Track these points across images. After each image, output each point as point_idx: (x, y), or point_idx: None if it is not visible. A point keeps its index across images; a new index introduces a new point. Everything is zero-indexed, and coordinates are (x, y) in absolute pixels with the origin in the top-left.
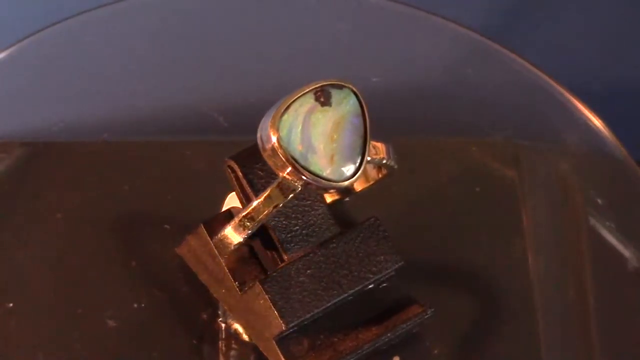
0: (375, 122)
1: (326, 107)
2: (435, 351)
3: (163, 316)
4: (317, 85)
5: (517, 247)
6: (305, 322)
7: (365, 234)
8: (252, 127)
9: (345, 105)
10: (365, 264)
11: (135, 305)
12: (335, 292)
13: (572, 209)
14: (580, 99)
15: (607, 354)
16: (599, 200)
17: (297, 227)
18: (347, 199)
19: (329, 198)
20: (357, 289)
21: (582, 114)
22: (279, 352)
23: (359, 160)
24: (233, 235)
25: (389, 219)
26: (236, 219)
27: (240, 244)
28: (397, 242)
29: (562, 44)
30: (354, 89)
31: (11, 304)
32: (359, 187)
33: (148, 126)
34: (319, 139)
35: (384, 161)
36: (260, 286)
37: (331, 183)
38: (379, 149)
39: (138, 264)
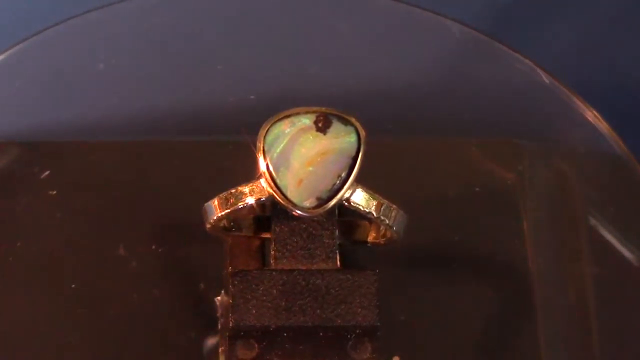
0: (376, 122)
1: (319, 133)
2: (435, 351)
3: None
4: (323, 110)
5: (517, 247)
6: (257, 331)
7: (357, 281)
8: (253, 127)
9: (340, 141)
10: (339, 307)
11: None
12: (295, 317)
13: (572, 209)
14: (582, 97)
15: (607, 354)
16: (600, 200)
17: (297, 246)
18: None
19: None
20: (317, 324)
21: (584, 112)
22: (226, 346)
23: (326, 198)
24: (209, 210)
25: None
26: (214, 199)
27: (215, 222)
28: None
29: (564, 43)
30: (361, 131)
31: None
32: (367, 238)
33: (149, 126)
34: (297, 158)
35: (383, 221)
36: (230, 277)
37: (289, 205)
38: (380, 208)
39: (138, 263)
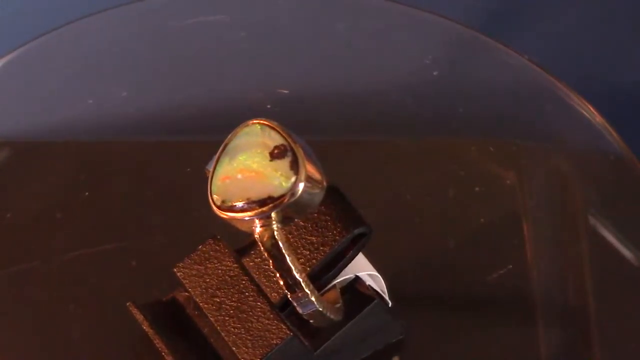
0: (375, 122)
1: (267, 156)
2: (435, 351)
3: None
4: (293, 145)
5: (517, 247)
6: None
7: (270, 326)
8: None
9: (273, 175)
10: (241, 330)
11: None
12: (210, 306)
13: (572, 209)
14: (582, 97)
15: (607, 354)
16: (599, 200)
17: (269, 266)
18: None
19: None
20: (215, 327)
21: (584, 112)
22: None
23: (239, 206)
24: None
25: (389, 218)
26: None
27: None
28: (397, 242)
29: (564, 43)
30: (297, 187)
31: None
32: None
33: (149, 126)
34: (239, 160)
35: (284, 288)
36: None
37: (209, 188)
38: (284, 274)
39: (138, 264)
